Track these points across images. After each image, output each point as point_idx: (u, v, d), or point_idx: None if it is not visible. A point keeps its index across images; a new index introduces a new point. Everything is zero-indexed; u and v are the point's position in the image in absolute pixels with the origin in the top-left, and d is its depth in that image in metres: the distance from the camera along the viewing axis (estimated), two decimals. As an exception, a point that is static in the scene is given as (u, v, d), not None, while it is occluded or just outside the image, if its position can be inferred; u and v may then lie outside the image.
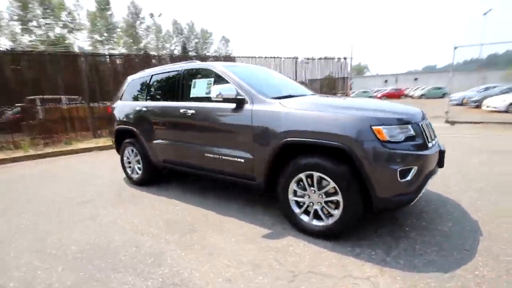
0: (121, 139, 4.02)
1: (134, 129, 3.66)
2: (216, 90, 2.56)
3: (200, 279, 1.85)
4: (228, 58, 9.77)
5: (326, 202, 2.20)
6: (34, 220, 2.91)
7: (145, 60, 9.61)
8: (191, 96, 3.10)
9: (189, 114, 2.98)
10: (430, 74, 49.52)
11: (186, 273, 1.92)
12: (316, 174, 2.17)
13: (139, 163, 3.83)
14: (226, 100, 2.60)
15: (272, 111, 2.40)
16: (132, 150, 3.87)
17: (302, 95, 2.93)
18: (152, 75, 3.67)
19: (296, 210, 2.36)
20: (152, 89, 3.65)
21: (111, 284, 1.84)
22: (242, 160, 2.60)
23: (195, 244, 2.29)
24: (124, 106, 3.92)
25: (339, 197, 2.09)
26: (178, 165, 3.35)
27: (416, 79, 47.22)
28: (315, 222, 2.27)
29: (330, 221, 2.18)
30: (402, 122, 2.02)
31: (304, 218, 2.33)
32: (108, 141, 7.27)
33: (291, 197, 2.36)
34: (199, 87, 3.06)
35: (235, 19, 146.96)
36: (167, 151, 3.37)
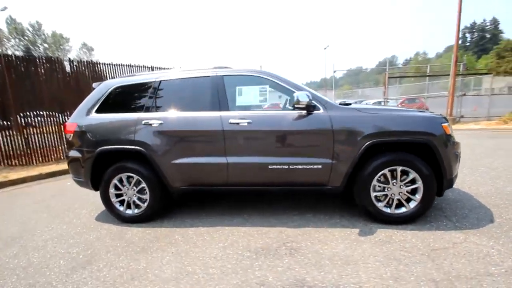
0: (103, 166, 2.94)
1: (142, 149, 2.80)
2: (295, 97, 2.48)
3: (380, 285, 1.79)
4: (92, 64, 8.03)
5: (404, 191, 2.58)
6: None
7: None
8: (238, 104, 2.78)
9: (244, 124, 2.66)
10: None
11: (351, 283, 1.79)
12: (399, 168, 2.52)
13: (143, 193, 2.93)
14: (298, 107, 2.55)
15: (354, 115, 2.58)
16: (129, 178, 2.91)
17: (352, 103, 3.12)
18: (160, 81, 2.94)
19: (378, 204, 2.61)
20: (165, 97, 2.93)
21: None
22: (320, 166, 2.61)
23: (336, 259, 2.11)
24: (112, 121, 2.92)
25: (419, 184, 2.52)
26: (215, 185, 2.85)
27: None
28: (397, 211, 2.60)
29: (412, 205, 2.58)
30: (447, 120, 2.72)
31: (386, 209, 2.61)
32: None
33: (372, 193, 2.60)
34: (248, 95, 2.79)
35: (104, 26, 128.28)
36: (201, 171, 2.80)
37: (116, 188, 2.97)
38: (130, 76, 3.15)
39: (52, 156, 6.74)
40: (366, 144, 2.50)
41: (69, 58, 7.29)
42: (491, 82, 11.50)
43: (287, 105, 2.78)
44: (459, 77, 11.89)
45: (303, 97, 2.48)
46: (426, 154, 2.53)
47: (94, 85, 3.28)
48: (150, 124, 2.80)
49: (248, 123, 2.66)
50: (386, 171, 2.54)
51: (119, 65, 7.97)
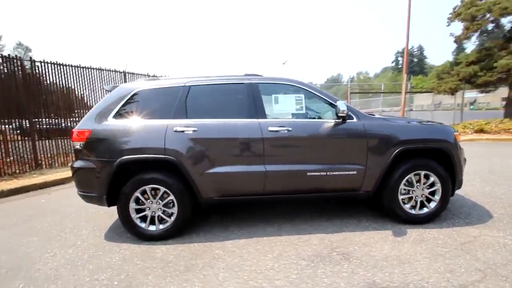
0: (123, 178, 2.62)
1: (174, 159, 2.58)
2: (339, 106, 2.60)
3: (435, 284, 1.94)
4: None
5: (426, 193, 2.87)
6: None
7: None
8: (275, 112, 2.78)
9: (284, 132, 2.67)
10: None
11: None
12: (423, 172, 2.80)
13: (169, 207, 2.69)
14: (340, 116, 2.68)
15: (384, 124, 2.80)
16: (155, 191, 2.65)
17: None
18: (190, 86, 2.78)
19: (404, 206, 2.84)
20: (196, 103, 2.77)
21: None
22: (354, 172, 2.74)
23: (390, 259, 2.20)
24: (137, 128, 2.64)
25: (438, 186, 2.83)
26: (250, 195, 2.77)
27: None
28: (419, 212, 2.86)
29: (432, 206, 2.87)
30: (457, 130, 3.12)
31: (411, 211, 2.86)
32: None
33: (399, 196, 2.82)
34: (285, 103, 2.81)
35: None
36: (237, 180, 2.70)
37: (137, 202, 2.67)
38: (154, 80, 2.91)
39: (9, 170, 5.67)
40: (397, 151, 2.72)
41: (30, 58, 6.32)
42: (432, 99, 13.45)
43: (319, 115, 2.89)
44: (399, 94, 13.65)
45: (343, 106, 2.61)
46: (441, 159, 2.86)
47: (107, 88, 2.95)
48: (183, 131, 2.62)
49: (288, 130, 2.68)
50: (411, 175, 2.79)
51: (88, 68, 7.21)
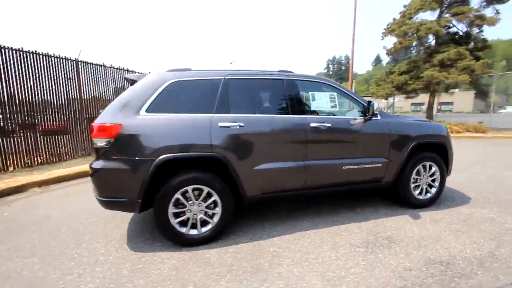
0: (162, 177, 2.34)
1: (221, 156, 2.41)
2: (374, 105, 2.83)
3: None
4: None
5: (429, 181, 3.35)
6: None
7: None
8: (313, 109, 2.85)
9: (324, 128, 2.77)
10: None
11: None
12: (428, 163, 3.27)
13: (212, 207, 2.51)
14: (375, 113, 2.92)
15: (401, 122, 3.16)
16: (199, 191, 2.44)
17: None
18: (229, 79, 2.63)
19: (415, 193, 3.26)
20: (237, 97, 2.62)
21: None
22: (380, 165, 3.03)
23: (425, 238, 2.49)
24: (177, 123, 2.37)
25: (437, 175, 3.34)
26: (291, 191, 2.78)
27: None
28: (424, 197, 3.33)
29: (433, 191, 3.36)
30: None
31: (419, 197, 3.29)
32: None
33: (411, 184, 3.23)
34: (320, 100, 2.91)
35: None
36: (282, 176, 2.68)
37: (176, 205, 2.41)
38: (188, 71, 2.64)
39: None
40: (412, 145, 3.12)
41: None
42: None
43: (348, 111, 3.09)
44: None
45: (376, 105, 2.86)
46: (438, 151, 3.39)
47: (131, 76, 2.56)
48: (228, 127, 2.47)
49: (327, 126, 2.79)
50: (420, 166, 3.23)
51: (33, 53, 5.97)
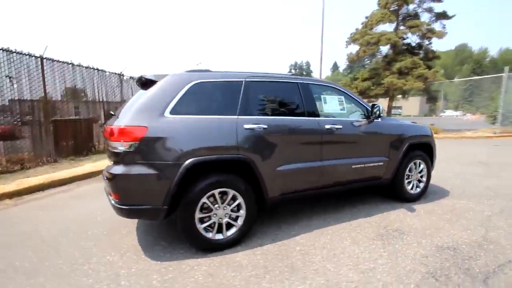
0: (187, 182, 2.26)
1: (247, 157, 2.40)
2: (380, 108, 3.07)
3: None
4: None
5: (418, 177, 3.72)
6: None
7: None
8: (325, 111, 2.99)
9: (336, 129, 2.92)
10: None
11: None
12: (418, 161, 3.63)
13: (236, 211, 2.49)
14: (368, 116, 3.16)
15: (397, 124, 3.46)
16: (224, 194, 2.40)
17: None
18: (250, 81, 2.63)
19: (407, 188, 3.60)
20: (257, 99, 2.64)
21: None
22: (382, 163, 3.29)
23: (427, 228, 2.76)
24: (209, 124, 2.33)
25: (425, 171, 3.73)
26: (307, 191, 2.88)
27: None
28: (413, 191, 3.68)
29: (421, 186, 3.74)
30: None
31: (411, 191, 3.63)
32: None
33: (405, 180, 3.56)
34: (331, 103, 3.06)
35: None
36: (301, 177, 2.77)
37: (202, 209, 2.35)
38: (209, 72, 2.59)
39: None
40: (407, 144, 3.44)
41: None
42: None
43: (352, 115, 3.30)
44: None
45: (381, 108, 3.10)
46: (424, 150, 3.77)
47: (149, 76, 2.42)
48: (253, 129, 2.49)
49: (338, 128, 2.95)
50: (412, 163, 3.58)
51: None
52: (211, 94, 2.51)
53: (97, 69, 7.97)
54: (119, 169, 2.16)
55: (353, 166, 3.08)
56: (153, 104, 2.25)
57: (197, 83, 2.44)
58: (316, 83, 3.11)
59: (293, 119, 2.77)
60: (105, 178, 2.31)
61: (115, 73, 8.74)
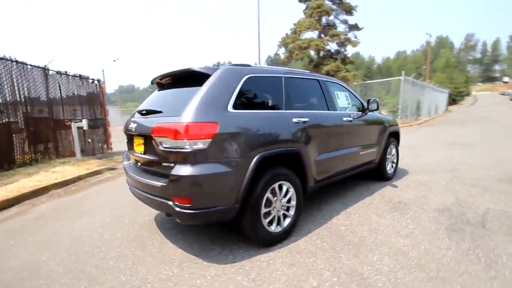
0: (257, 177, 2.22)
1: (298, 149, 2.51)
2: (378, 102, 3.60)
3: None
4: None
5: (392, 159, 4.51)
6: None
7: None
8: (340, 106, 3.33)
9: (349, 121, 3.31)
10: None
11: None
12: (392, 146, 4.41)
13: (291, 201, 2.57)
14: (364, 109, 3.69)
15: (381, 115, 4.12)
16: (281, 186, 2.44)
17: None
18: (288, 77, 2.73)
19: (387, 168, 4.33)
20: (293, 94, 2.73)
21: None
22: (374, 149, 3.88)
23: (420, 199, 3.41)
24: (268, 118, 2.35)
25: (395, 152, 4.55)
26: (331, 178, 3.16)
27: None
28: (391, 172, 4.45)
29: (394, 166, 4.55)
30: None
31: (390, 171, 4.38)
32: None
33: (386, 162, 4.28)
34: (341, 99, 3.42)
35: None
36: (331, 165, 3.04)
37: (265, 204, 2.34)
38: (256, 66, 2.53)
39: None
40: (389, 132, 4.14)
41: None
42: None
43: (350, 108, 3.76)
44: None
45: (378, 102, 3.65)
46: (394, 136, 4.61)
47: (200, 69, 2.22)
48: (299, 122, 2.61)
49: (350, 120, 3.36)
50: (389, 148, 4.33)
51: None
52: (260, 89, 2.51)
53: (16, 61, 6.33)
54: (190, 170, 1.95)
55: (360, 153, 3.55)
56: (216, 99, 2.12)
57: (250, 77, 2.40)
58: (329, 80, 3.44)
59: (323, 113, 3.03)
60: (162, 183, 2.03)
61: (39, 67, 7.08)
